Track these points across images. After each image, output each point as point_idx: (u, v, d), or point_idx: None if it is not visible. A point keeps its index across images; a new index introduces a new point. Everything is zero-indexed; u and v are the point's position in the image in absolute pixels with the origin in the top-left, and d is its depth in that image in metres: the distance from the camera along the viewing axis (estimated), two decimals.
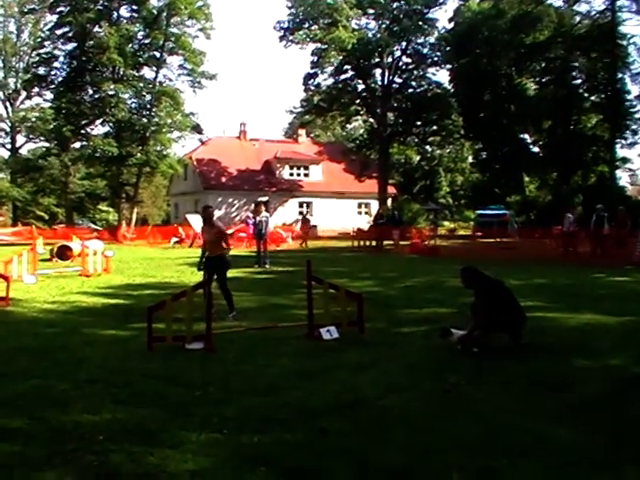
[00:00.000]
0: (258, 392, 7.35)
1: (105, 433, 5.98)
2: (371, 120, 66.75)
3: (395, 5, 60.49)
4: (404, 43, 61.28)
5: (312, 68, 62.29)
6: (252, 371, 8.37)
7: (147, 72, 59.48)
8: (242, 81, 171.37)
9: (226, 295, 12.91)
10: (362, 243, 38.47)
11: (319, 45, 60.50)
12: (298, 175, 67.50)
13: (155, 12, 56.98)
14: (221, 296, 12.90)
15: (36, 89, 71.30)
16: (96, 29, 56.46)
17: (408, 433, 5.98)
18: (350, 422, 6.30)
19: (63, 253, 27.74)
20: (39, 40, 69.55)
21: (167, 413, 6.61)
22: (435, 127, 63.18)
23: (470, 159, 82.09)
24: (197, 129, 59.73)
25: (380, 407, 6.82)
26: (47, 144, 72.25)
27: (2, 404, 6.96)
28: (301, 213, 61.62)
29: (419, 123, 63.07)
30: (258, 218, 26.00)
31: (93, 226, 63.16)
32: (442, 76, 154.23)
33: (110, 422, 6.35)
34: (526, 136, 71.51)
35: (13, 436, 5.94)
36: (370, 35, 61.27)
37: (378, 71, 62.43)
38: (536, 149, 71.96)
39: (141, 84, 57.76)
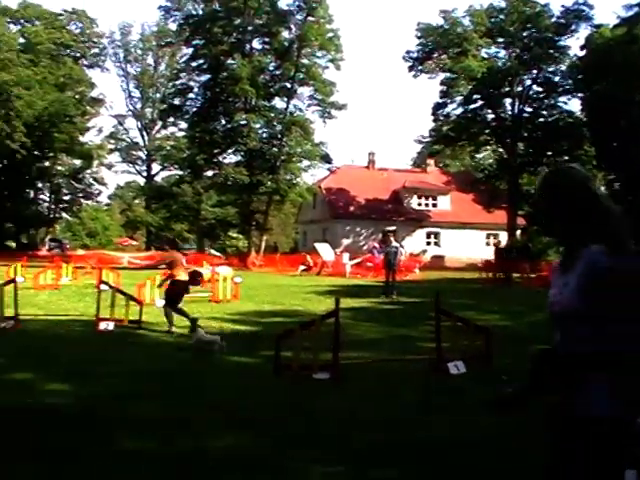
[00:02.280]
0: (382, 426, 7.32)
1: (226, 459, 6.05)
2: (501, 150, 65.78)
3: (525, 33, 59.67)
4: (534, 71, 60.26)
5: (441, 98, 61.98)
6: (377, 404, 8.33)
7: (278, 102, 60.54)
8: (371, 110, 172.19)
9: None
10: (490, 275, 37.82)
11: (448, 74, 60.27)
12: (426, 205, 67.02)
13: (286, 44, 58.00)
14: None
15: (171, 119, 73.65)
16: (229, 61, 57.84)
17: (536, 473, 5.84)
18: (473, 459, 6.20)
19: (194, 278, 28.34)
20: (175, 72, 71.95)
21: (290, 443, 6.64)
22: (567, 157, 61.64)
23: (603, 190, 79.89)
24: (326, 158, 60.16)
25: (507, 445, 6.68)
26: (180, 172, 74.45)
27: (129, 425, 7.16)
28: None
29: (550, 153, 61.79)
30: (388, 248, 25.94)
31: (213, 252, 64.27)
32: (574, 105, 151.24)
33: (232, 448, 6.43)
34: None
35: (138, 457, 6.11)
36: (500, 64, 60.54)
37: (508, 100, 61.54)
38: None
39: (272, 114, 58.72)
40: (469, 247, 61.98)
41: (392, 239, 26.37)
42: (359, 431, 7.08)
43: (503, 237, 61.11)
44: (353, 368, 10.45)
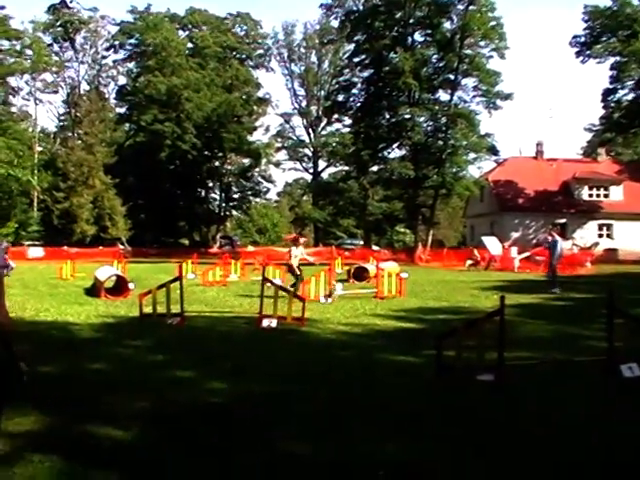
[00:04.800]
0: (550, 437, 6.83)
1: (389, 467, 5.83)
2: None
3: None
4: None
5: (611, 83, 59.92)
6: (543, 411, 7.82)
7: (442, 95, 60.07)
8: (538, 99, 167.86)
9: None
10: None
11: (618, 58, 58.16)
12: (598, 196, 64.51)
13: (448, 35, 57.35)
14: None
15: (336, 115, 74.66)
16: (391, 55, 57.85)
17: None
18: None
19: (360, 274, 28.47)
20: (338, 68, 72.88)
21: (453, 451, 6.34)
22: None
23: None
24: (493, 150, 59.18)
25: None
26: (346, 168, 75.30)
27: (282, 426, 7.08)
28: None
29: None
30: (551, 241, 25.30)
31: (374, 247, 64.21)
32: None
33: (395, 455, 6.21)
34: None
35: (290, 460, 6.01)
36: None
37: None
38: None
39: (436, 107, 58.26)
40: None
41: (553, 233, 25.68)
42: (526, 442, 6.68)
43: None
44: (519, 369, 9.97)
